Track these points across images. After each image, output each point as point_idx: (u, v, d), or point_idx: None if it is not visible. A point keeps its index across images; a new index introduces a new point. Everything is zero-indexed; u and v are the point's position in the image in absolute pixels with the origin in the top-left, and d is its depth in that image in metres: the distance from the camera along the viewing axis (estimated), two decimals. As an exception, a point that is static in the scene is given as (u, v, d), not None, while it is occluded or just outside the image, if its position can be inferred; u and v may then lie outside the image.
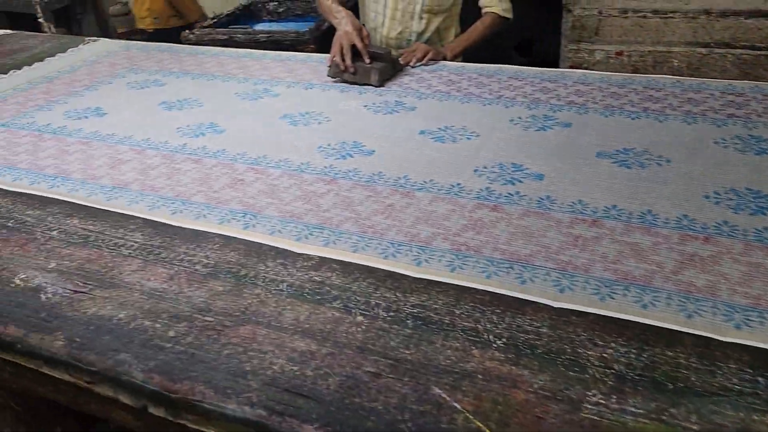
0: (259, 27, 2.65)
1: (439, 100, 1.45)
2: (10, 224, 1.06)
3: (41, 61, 1.90)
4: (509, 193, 1.04)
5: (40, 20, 4.00)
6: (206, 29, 2.52)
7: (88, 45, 2.03)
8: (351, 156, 1.20)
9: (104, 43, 2.06)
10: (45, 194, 1.14)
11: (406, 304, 0.82)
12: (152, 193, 1.12)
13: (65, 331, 0.81)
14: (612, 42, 1.96)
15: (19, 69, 1.84)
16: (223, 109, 1.47)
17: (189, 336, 0.79)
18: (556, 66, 2.32)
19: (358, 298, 0.84)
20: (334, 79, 1.58)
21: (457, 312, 0.80)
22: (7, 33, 2.28)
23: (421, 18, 1.81)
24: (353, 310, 0.81)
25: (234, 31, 2.47)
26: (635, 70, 1.95)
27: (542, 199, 1.02)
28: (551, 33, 2.41)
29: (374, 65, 1.54)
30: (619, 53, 1.96)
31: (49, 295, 0.88)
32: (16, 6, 4.14)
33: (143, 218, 1.04)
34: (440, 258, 0.90)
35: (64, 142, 1.35)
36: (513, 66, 1.59)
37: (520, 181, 1.08)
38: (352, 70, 1.56)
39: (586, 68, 2.04)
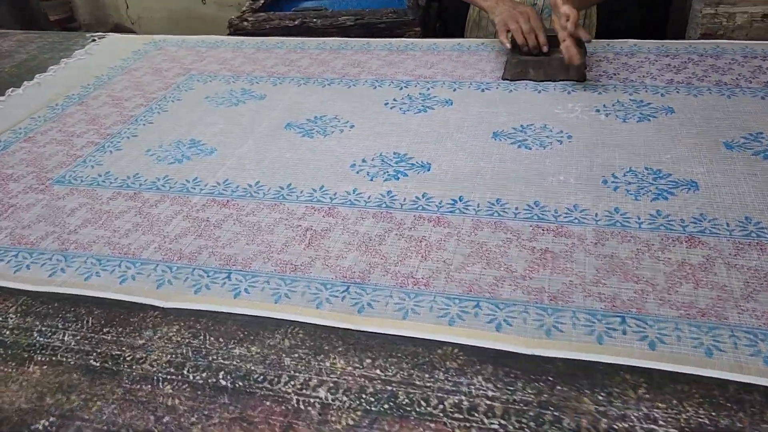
0: (306, 5, 2.09)
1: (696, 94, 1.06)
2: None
3: (44, 71, 1.35)
4: None
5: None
6: (261, 14, 1.95)
7: (97, 44, 1.48)
8: (673, 194, 0.80)
9: (116, 40, 1.51)
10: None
11: None
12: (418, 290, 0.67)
13: None
14: (758, 2, 1.63)
15: (17, 86, 1.28)
16: (394, 129, 1.01)
17: None
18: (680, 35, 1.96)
19: None
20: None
21: None
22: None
23: None
24: None
25: (305, 14, 1.91)
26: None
27: None
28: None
29: (559, 54, 1.12)
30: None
31: None
32: None
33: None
34: None
35: (191, 206, 0.86)
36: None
37: None
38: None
39: (722, 36, 1.71)
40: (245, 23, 1.91)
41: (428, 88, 1.13)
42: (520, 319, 0.63)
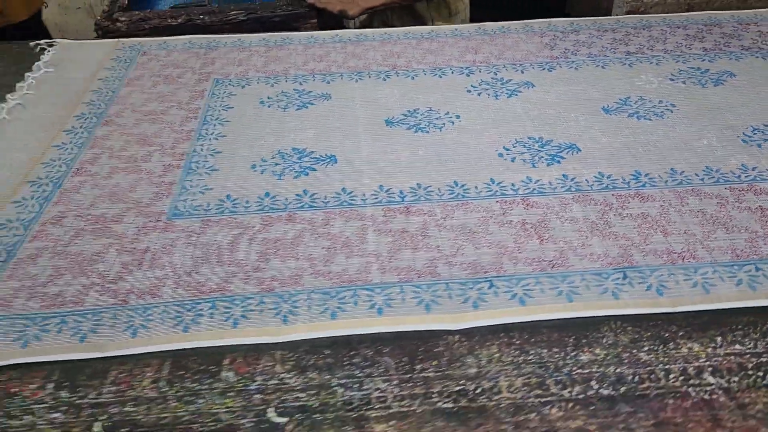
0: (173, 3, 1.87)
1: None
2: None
3: (8, 89, 1.09)
4: None
5: None
6: (135, 12, 1.71)
7: (56, 53, 1.23)
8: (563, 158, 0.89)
9: (77, 47, 1.26)
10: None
11: None
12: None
13: None
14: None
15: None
16: (504, 115, 0.98)
17: None
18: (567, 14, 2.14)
19: None
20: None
21: None
22: None
23: None
24: None
25: (188, 11, 1.71)
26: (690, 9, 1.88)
27: None
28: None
29: None
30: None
31: None
32: None
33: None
34: None
35: (371, 219, 0.76)
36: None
37: None
38: None
39: (644, 12, 1.91)
40: (118, 24, 1.67)
41: (495, 72, 1.13)
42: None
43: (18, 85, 1.11)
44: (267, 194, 0.82)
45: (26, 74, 1.15)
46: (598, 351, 0.59)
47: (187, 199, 0.81)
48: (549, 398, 0.55)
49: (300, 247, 0.72)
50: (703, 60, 1.15)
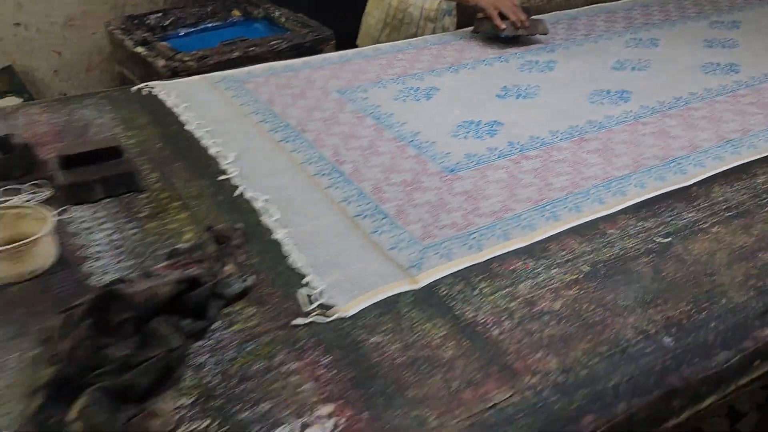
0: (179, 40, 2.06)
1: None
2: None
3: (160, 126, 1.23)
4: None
5: None
6: (194, 52, 1.88)
7: (163, 90, 1.35)
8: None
9: (174, 86, 1.40)
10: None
11: None
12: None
13: None
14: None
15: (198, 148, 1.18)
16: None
17: None
18: None
19: None
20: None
21: None
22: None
23: None
24: None
25: (239, 46, 1.94)
26: None
27: None
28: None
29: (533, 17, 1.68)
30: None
31: None
32: None
33: None
34: None
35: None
36: None
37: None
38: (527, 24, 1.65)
39: None
40: (187, 63, 1.85)
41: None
42: None
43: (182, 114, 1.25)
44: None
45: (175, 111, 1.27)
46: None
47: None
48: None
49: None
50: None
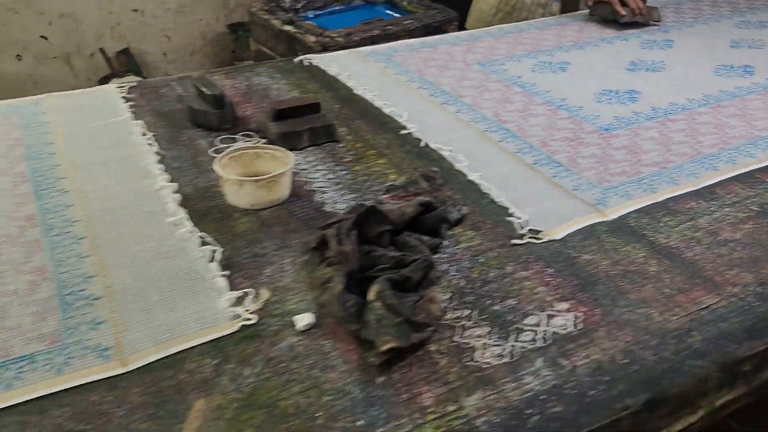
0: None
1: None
2: None
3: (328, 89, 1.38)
4: None
5: None
6: (340, 30, 2.12)
7: (312, 61, 1.50)
8: None
9: (330, 58, 1.54)
10: None
11: None
12: None
13: None
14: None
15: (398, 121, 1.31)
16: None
17: None
18: None
19: None
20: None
21: None
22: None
23: None
24: None
25: (377, 25, 2.18)
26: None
27: None
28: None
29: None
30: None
31: None
32: None
33: None
34: None
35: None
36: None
37: None
38: (644, 11, 1.75)
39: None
40: (337, 39, 2.05)
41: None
42: None
43: (347, 82, 1.40)
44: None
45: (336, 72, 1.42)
46: None
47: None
48: None
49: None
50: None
